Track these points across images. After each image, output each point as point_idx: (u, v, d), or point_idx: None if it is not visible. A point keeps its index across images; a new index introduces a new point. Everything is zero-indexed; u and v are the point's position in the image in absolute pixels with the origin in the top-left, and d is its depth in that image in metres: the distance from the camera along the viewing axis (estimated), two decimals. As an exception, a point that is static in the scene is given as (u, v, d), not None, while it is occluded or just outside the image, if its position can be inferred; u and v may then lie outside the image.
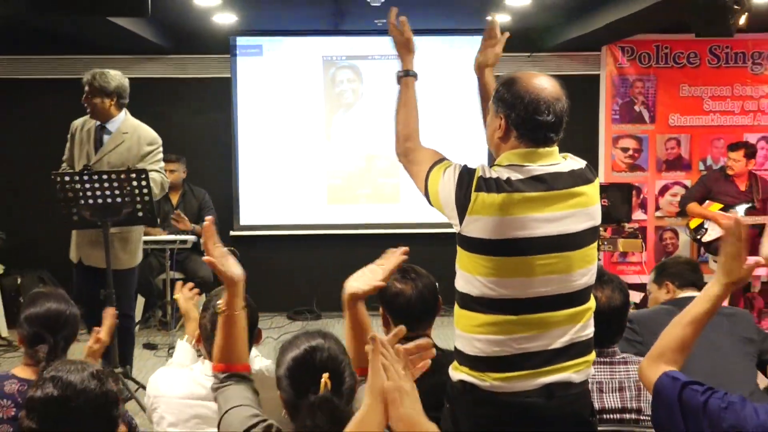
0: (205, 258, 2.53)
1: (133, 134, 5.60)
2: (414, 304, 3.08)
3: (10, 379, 3.02)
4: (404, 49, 2.92)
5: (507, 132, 2.57)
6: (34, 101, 8.24)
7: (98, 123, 5.62)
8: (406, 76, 2.87)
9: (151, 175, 5.37)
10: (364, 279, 2.57)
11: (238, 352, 2.50)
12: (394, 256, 2.60)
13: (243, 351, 2.54)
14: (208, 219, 2.59)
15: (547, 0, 6.60)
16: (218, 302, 2.55)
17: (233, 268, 2.53)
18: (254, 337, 3.00)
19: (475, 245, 2.53)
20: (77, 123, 5.77)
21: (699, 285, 4.03)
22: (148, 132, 5.69)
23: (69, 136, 5.81)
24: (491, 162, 2.63)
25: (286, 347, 2.26)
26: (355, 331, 2.53)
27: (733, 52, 8.32)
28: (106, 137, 5.61)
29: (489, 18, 3.02)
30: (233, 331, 2.50)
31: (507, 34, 3.03)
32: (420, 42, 2.96)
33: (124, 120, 5.63)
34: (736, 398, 2.20)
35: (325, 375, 2.08)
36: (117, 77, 5.57)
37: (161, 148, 5.74)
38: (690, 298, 3.90)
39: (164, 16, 7.14)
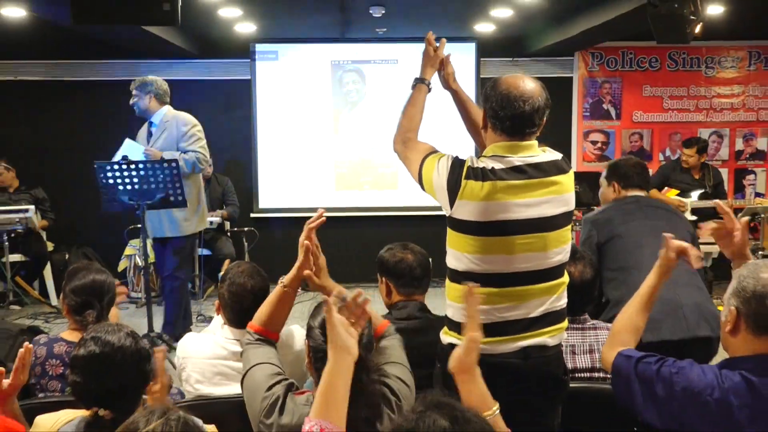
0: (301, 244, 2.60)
1: (172, 121, 5.74)
2: (415, 268, 3.14)
3: (58, 342, 3.05)
4: (430, 64, 2.88)
5: (486, 123, 2.57)
6: (78, 100, 8.23)
7: (148, 120, 5.78)
8: (422, 83, 2.84)
9: (184, 156, 5.53)
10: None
11: (278, 322, 2.50)
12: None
13: (282, 323, 2.54)
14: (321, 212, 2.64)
15: (527, 12, 6.57)
16: (283, 277, 2.54)
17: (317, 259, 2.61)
18: None
19: (464, 226, 2.52)
20: (140, 131, 5.94)
21: (644, 186, 3.92)
22: (184, 116, 5.82)
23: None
24: (478, 154, 2.62)
25: (321, 305, 2.26)
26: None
27: (689, 57, 8.30)
28: (153, 128, 5.76)
29: (433, 38, 2.95)
30: (283, 305, 2.51)
31: (444, 45, 2.97)
32: (414, 48, 2.94)
33: (165, 112, 5.77)
34: (685, 363, 2.18)
35: None
36: (154, 79, 5.76)
37: (197, 128, 5.79)
38: (633, 197, 3.81)
39: (192, 25, 7.13)
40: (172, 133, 5.69)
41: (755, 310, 2.03)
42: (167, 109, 5.78)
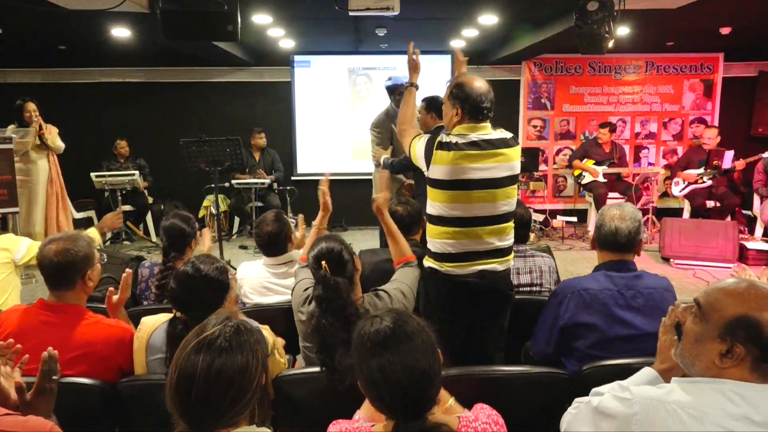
0: (321, 188, 2.84)
1: None
2: (404, 219, 3.11)
3: (157, 266, 3.06)
4: (413, 70, 2.89)
5: (462, 116, 2.53)
6: (168, 96, 8.15)
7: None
8: (411, 86, 2.86)
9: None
10: (379, 198, 2.69)
11: None
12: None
13: None
14: (327, 176, 2.85)
15: (488, 32, 6.49)
16: (313, 221, 2.70)
17: (329, 201, 2.82)
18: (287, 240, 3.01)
19: (436, 183, 2.51)
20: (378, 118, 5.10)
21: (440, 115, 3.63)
22: None
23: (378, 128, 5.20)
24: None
25: (311, 249, 2.27)
26: (388, 233, 2.59)
27: (603, 65, 8.18)
28: None
29: (457, 50, 2.94)
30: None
31: (466, 58, 2.97)
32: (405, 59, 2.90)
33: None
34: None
35: (323, 262, 2.13)
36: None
37: (373, 130, 5.23)
38: (439, 128, 3.65)
39: (249, 41, 7.03)
40: None
41: (603, 239, 2.24)
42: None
